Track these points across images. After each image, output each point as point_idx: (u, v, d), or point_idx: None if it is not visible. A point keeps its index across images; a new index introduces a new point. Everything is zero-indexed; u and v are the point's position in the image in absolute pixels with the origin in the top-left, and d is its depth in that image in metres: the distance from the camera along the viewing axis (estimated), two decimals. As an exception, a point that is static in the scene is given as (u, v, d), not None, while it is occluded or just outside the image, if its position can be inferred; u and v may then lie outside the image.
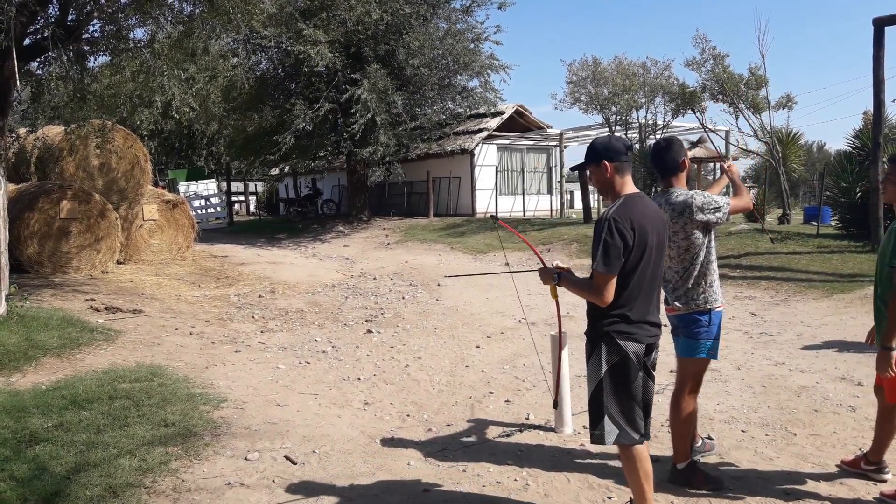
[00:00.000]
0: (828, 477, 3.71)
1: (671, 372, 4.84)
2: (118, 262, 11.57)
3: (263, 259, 14.37)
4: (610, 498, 3.55)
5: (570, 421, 4.55)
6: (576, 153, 58.19)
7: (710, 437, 4.19)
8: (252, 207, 35.15)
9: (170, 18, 7.96)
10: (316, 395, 5.44)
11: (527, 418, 4.84)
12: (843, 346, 6.43)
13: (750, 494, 3.52)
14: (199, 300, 9.62)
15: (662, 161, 3.68)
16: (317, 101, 17.56)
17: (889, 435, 3.59)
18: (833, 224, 14.16)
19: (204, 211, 26.61)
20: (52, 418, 4.46)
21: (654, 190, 15.47)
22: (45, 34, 7.26)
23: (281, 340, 7.40)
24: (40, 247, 10.29)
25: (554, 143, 23.36)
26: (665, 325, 3.31)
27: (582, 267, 11.41)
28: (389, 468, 3.99)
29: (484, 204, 21.87)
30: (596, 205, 21.67)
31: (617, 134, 18.65)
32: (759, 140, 17.60)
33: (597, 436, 3.00)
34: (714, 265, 3.65)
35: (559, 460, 4.06)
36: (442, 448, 4.30)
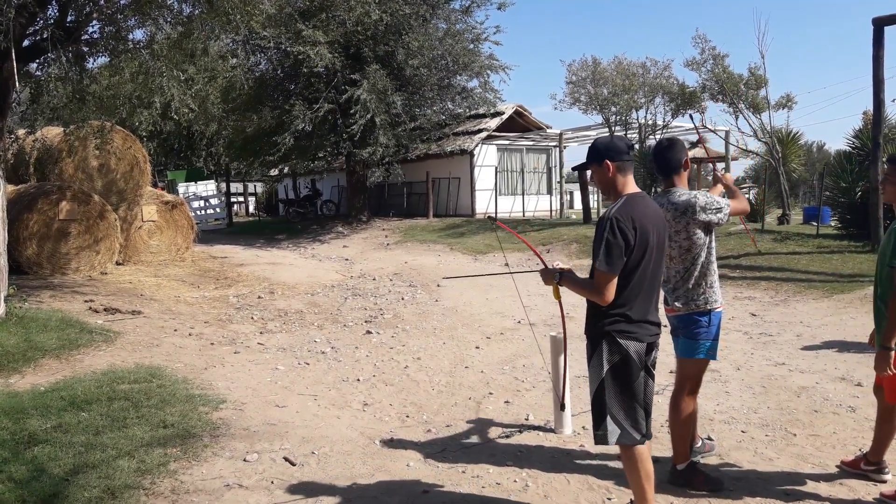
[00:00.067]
0: (828, 477, 3.70)
1: (671, 372, 4.83)
2: (117, 264, 11.57)
3: (263, 260, 14.36)
4: (610, 499, 3.55)
5: (570, 422, 4.54)
6: (575, 153, 58.24)
7: (709, 438, 4.18)
8: (251, 208, 35.14)
9: (169, 19, 7.96)
10: (315, 396, 5.44)
11: (526, 419, 4.83)
12: (843, 347, 6.43)
13: (750, 495, 3.52)
14: (199, 301, 9.62)
15: (665, 160, 3.67)
16: (316, 101, 17.55)
17: (889, 435, 3.59)
18: (833, 224, 14.15)
19: (203, 212, 26.59)
20: (50, 420, 4.45)
21: (653, 190, 15.47)
22: (45, 35, 7.26)
23: (280, 341, 7.39)
24: (39, 248, 10.28)
25: (553, 144, 23.36)
26: (665, 326, 3.31)
27: (582, 267, 11.40)
28: (389, 469, 3.99)
29: (483, 204, 21.86)
30: (596, 205, 21.69)
31: (617, 134, 18.63)
32: (759, 140, 17.61)
33: (600, 436, 3.00)
34: (714, 266, 3.65)
35: (559, 461, 4.05)
36: (441, 449, 4.29)
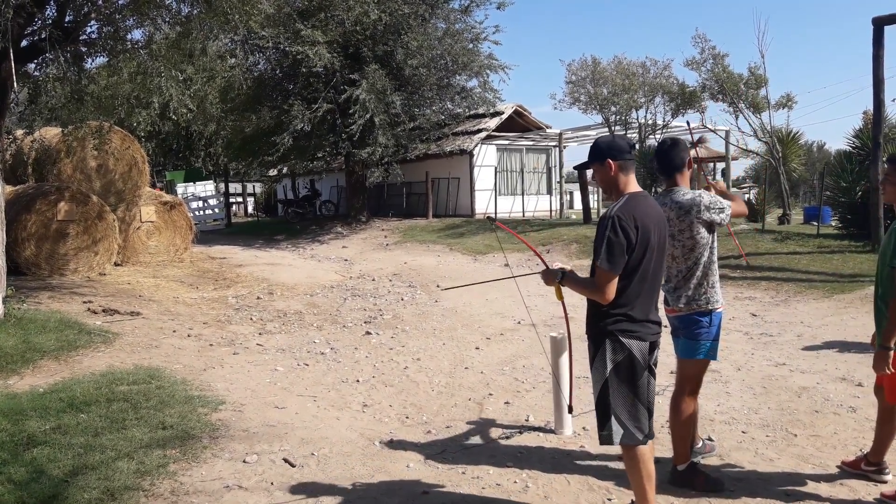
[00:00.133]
0: (828, 478, 3.69)
1: (671, 373, 4.82)
2: (116, 264, 11.55)
3: (262, 260, 14.35)
4: (610, 500, 3.54)
5: (570, 423, 4.53)
6: (575, 153, 58.26)
7: (710, 439, 4.18)
8: (250, 209, 35.13)
9: (167, 19, 7.95)
10: (314, 397, 5.42)
11: (526, 420, 4.82)
12: (844, 347, 6.42)
13: (750, 496, 3.51)
14: (197, 302, 9.60)
15: (668, 159, 3.67)
16: (315, 101, 17.54)
17: (889, 436, 3.58)
18: (833, 224, 14.15)
19: (202, 212, 26.59)
20: (49, 421, 4.44)
21: (653, 190, 15.46)
22: (43, 36, 7.26)
23: (279, 342, 7.38)
24: (38, 249, 10.26)
25: (553, 144, 23.34)
26: (665, 327, 3.30)
27: (582, 268, 11.39)
28: (388, 470, 3.97)
29: (483, 204, 21.85)
30: (596, 205, 21.68)
31: (618, 134, 18.63)
32: (759, 140, 17.60)
33: (605, 436, 2.99)
34: (716, 266, 3.65)
35: (559, 462, 4.04)
36: (441, 450, 4.28)
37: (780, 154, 17.03)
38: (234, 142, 20.30)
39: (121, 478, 3.69)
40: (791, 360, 6.10)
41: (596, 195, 23.67)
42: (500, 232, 14.67)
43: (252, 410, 4.99)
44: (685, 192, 3.61)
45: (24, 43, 7.50)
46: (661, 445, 4.11)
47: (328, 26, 16.69)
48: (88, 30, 8.01)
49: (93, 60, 8.84)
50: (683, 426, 3.64)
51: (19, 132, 10.50)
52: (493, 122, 22.41)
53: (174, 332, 7.56)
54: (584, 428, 4.56)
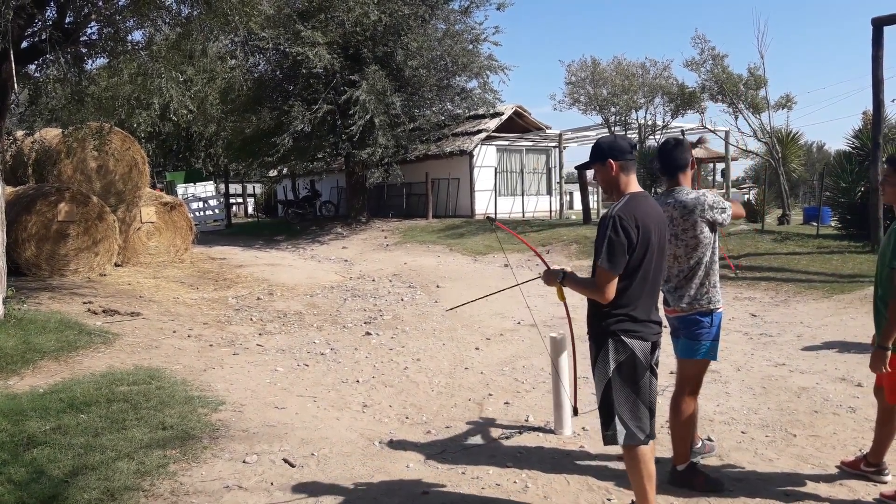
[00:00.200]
0: (828, 478, 3.70)
1: (671, 373, 4.82)
2: (116, 265, 11.56)
3: (262, 261, 14.36)
4: (610, 500, 3.54)
5: (570, 423, 4.53)
6: (575, 154, 58.30)
7: (709, 439, 4.18)
8: (250, 209, 35.13)
9: (167, 20, 7.95)
10: (314, 397, 5.43)
11: (526, 420, 4.82)
12: (844, 347, 6.42)
13: (750, 496, 3.51)
14: (197, 303, 9.61)
15: (672, 159, 3.68)
16: (315, 102, 17.55)
17: (889, 436, 3.58)
18: (833, 224, 14.16)
19: (202, 213, 26.62)
20: (49, 421, 4.44)
21: (653, 191, 15.47)
22: (43, 37, 7.26)
23: (279, 343, 7.38)
24: (38, 249, 10.27)
25: (553, 144, 23.35)
26: (665, 327, 3.30)
27: (581, 268, 11.41)
28: (388, 470, 3.98)
29: (483, 205, 21.86)
30: (596, 206, 21.68)
31: (620, 134, 18.63)
32: (759, 140, 17.61)
33: (609, 436, 3.00)
34: (717, 266, 3.66)
35: (559, 462, 4.05)
36: (441, 450, 4.28)
37: (780, 154, 17.04)
38: (235, 143, 20.31)
39: (121, 478, 3.70)
40: (790, 360, 6.11)
41: (596, 196, 23.68)
42: (500, 232, 14.68)
43: (252, 411, 5.00)
44: (688, 191, 3.63)
45: (24, 44, 7.51)
46: (660, 446, 4.11)
47: (328, 27, 16.71)
48: (89, 31, 8.03)
49: (93, 61, 8.85)
50: (683, 426, 3.65)
51: (20, 133, 10.51)
52: (492, 123, 22.42)
53: (174, 332, 7.56)
54: (583, 428, 4.57)
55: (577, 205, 24.30)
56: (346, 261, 14.99)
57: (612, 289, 2.89)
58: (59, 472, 3.73)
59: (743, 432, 4.42)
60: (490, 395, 5.46)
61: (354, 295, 10.45)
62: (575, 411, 3.54)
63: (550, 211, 23.25)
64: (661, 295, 3.45)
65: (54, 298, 8.65)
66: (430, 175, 21.25)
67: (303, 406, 5.18)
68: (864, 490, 3.54)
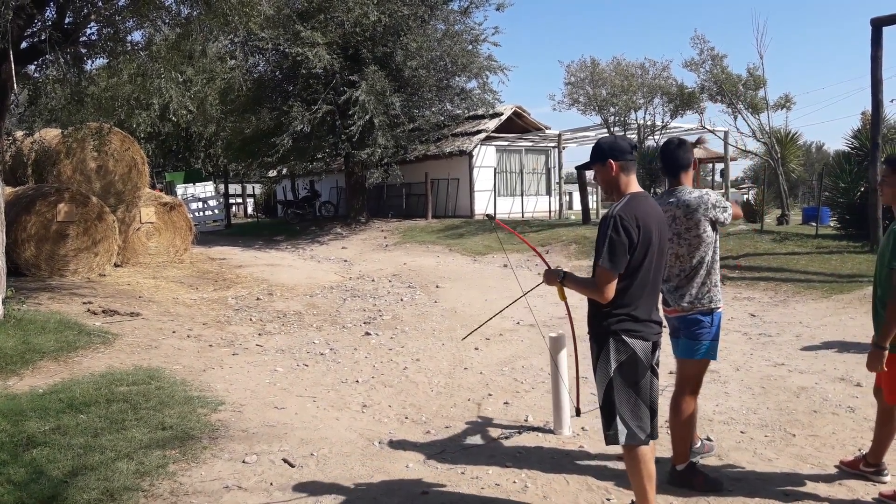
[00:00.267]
0: (827, 478, 3.70)
1: (670, 373, 4.83)
2: (115, 265, 11.56)
3: (261, 261, 14.36)
4: (609, 500, 3.54)
5: (569, 423, 4.54)
6: (574, 154, 58.30)
7: (709, 439, 4.18)
8: (250, 209, 35.14)
9: (167, 21, 7.95)
10: (314, 397, 5.43)
11: (526, 420, 4.82)
12: (843, 347, 6.43)
13: (749, 496, 3.51)
14: (197, 303, 9.61)
15: (675, 158, 3.69)
16: (314, 102, 17.55)
17: (888, 437, 3.58)
18: (832, 224, 14.17)
19: (201, 213, 26.62)
20: (49, 422, 4.44)
21: (653, 191, 15.48)
22: (43, 37, 7.26)
23: (279, 343, 7.38)
24: (37, 250, 10.27)
25: (552, 145, 23.36)
26: (664, 328, 3.31)
27: (580, 268, 11.41)
28: (388, 470, 3.98)
29: (483, 205, 21.87)
30: (595, 206, 21.68)
31: (620, 134, 18.64)
32: (758, 140, 17.64)
33: (611, 436, 3.00)
34: (718, 265, 3.67)
35: (558, 462, 4.05)
36: (440, 450, 4.29)
37: (779, 155, 17.06)
38: (234, 143, 20.31)
39: (120, 478, 3.70)
40: (790, 360, 6.11)
41: (595, 196, 23.69)
42: (500, 231, 14.69)
43: (251, 411, 5.00)
44: (690, 190, 3.64)
45: (23, 44, 7.51)
46: (659, 445, 4.11)
47: (328, 28, 16.71)
48: (88, 31, 8.02)
49: (92, 62, 8.85)
50: (683, 426, 3.65)
51: (19, 133, 10.52)
52: (492, 123, 22.43)
53: (174, 332, 7.56)
54: (583, 428, 4.57)
55: (577, 205, 24.29)
56: (345, 261, 14.99)
57: (611, 289, 2.90)
58: (58, 473, 3.73)
59: (742, 432, 4.42)
60: (489, 395, 5.46)
61: (354, 295, 10.46)
62: (577, 412, 3.54)
63: (550, 211, 23.26)
64: (660, 295, 3.46)
65: (54, 299, 8.65)
66: (430, 175, 21.26)
67: (302, 406, 5.19)
68: (864, 490, 3.55)
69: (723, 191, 20.07)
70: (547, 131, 23.31)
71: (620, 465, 3.75)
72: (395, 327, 8.13)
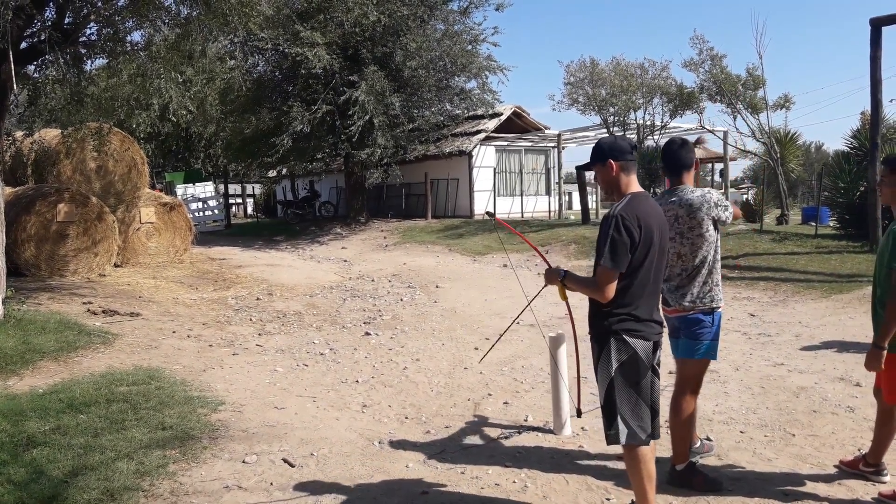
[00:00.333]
0: (826, 478, 3.71)
1: (670, 373, 4.83)
2: (115, 266, 11.56)
3: (261, 261, 14.36)
4: (609, 500, 3.55)
5: (569, 423, 4.54)
6: (574, 154, 58.34)
7: (708, 439, 4.19)
8: (250, 210, 35.13)
9: (167, 21, 7.95)
10: (314, 397, 5.43)
11: (525, 420, 4.83)
12: (842, 347, 6.43)
13: (749, 495, 3.52)
14: (197, 303, 9.61)
15: (677, 158, 3.70)
16: (314, 103, 17.55)
17: (888, 437, 3.59)
18: (831, 224, 14.17)
19: (201, 213, 26.62)
20: (49, 422, 4.44)
21: (652, 192, 15.48)
22: (42, 37, 7.26)
23: (279, 343, 7.39)
24: (37, 250, 10.27)
25: (552, 145, 23.36)
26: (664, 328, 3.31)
27: (580, 268, 11.41)
28: (388, 470, 3.98)
29: (482, 205, 21.86)
30: (594, 206, 21.69)
31: (620, 134, 18.64)
32: (758, 140, 17.65)
33: (612, 436, 3.01)
34: (719, 264, 3.68)
35: (558, 462, 4.05)
36: (440, 450, 4.29)
37: (779, 155, 17.07)
38: (234, 143, 20.31)
39: (120, 478, 3.70)
40: (789, 360, 6.12)
41: (594, 196, 23.69)
42: (500, 231, 14.68)
43: (251, 411, 5.00)
44: (692, 189, 3.66)
45: (23, 45, 7.51)
46: (659, 445, 4.12)
47: (327, 28, 16.72)
48: (88, 31, 8.02)
49: (92, 62, 8.85)
50: (684, 426, 3.66)
51: (19, 134, 10.52)
52: (491, 124, 22.43)
53: (174, 332, 7.56)
54: (582, 428, 4.58)
55: (576, 205, 24.28)
56: (345, 261, 14.99)
57: (612, 288, 2.90)
58: (58, 473, 3.74)
59: (742, 432, 4.43)
60: (489, 394, 5.47)
61: (354, 295, 10.46)
62: (578, 413, 3.53)
63: (549, 211, 23.26)
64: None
65: (54, 299, 8.65)
66: (430, 175, 21.27)
67: (302, 406, 5.19)
68: (863, 490, 3.55)
69: (722, 191, 20.07)
70: (546, 131, 23.31)
71: (620, 465, 3.76)
72: (395, 327, 8.13)
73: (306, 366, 6.40)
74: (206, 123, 17.26)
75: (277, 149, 17.60)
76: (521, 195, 23.22)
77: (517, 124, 23.45)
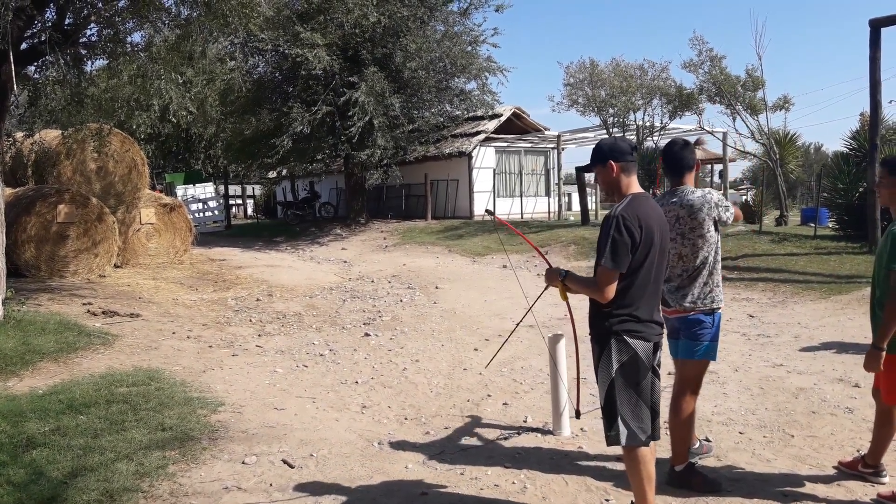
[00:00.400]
0: (825, 479, 3.71)
1: (669, 374, 4.84)
2: (115, 266, 11.56)
3: (261, 262, 14.36)
4: (608, 501, 3.55)
5: (568, 423, 4.54)
6: (573, 155, 58.34)
7: (707, 439, 4.19)
8: (250, 210, 35.15)
9: (167, 22, 7.96)
10: (313, 398, 5.44)
11: (525, 421, 4.83)
12: (841, 348, 6.44)
13: (748, 496, 3.52)
14: (197, 304, 9.61)
15: (679, 159, 3.71)
16: (314, 104, 17.57)
17: (887, 438, 3.59)
18: (830, 225, 14.18)
19: (201, 214, 26.63)
20: (49, 423, 4.45)
21: (652, 192, 15.48)
22: (43, 38, 7.27)
23: (278, 344, 7.39)
24: (37, 251, 10.27)
25: (552, 146, 23.37)
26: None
27: (580, 269, 11.42)
28: (387, 471, 3.99)
29: (482, 206, 21.87)
30: (594, 207, 21.70)
31: (620, 136, 18.65)
32: (757, 141, 17.68)
33: (612, 437, 3.01)
34: (720, 265, 3.69)
35: (557, 463, 4.06)
36: (440, 451, 4.29)
37: (778, 156, 17.10)
38: (234, 144, 20.32)
39: (120, 479, 3.70)
40: (788, 361, 6.12)
41: (594, 197, 23.69)
42: (500, 231, 14.69)
43: (251, 412, 5.01)
44: (693, 190, 3.67)
45: (23, 45, 7.52)
46: (658, 446, 4.12)
47: (327, 29, 16.73)
48: (88, 32, 8.03)
49: (92, 63, 8.87)
50: (683, 427, 3.66)
51: (19, 134, 10.51)
52: (491, 125, 22.44)
53: (174, 333, 7.57)
54: (582, 429, 4.58)
55: (576, 206, 24.30)
56: (345, 262, 15.00)
57: (612, 288, 2.90)
58: (58, 474, 3.74)
59: (741, 433, 4.43)
60: (489, 395, 5.47)
61: (353, 296, 10.46)
62: (577, 414, 3.53)
63: (549, 212, 23.27)
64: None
65: (54, 300, 8.66)
66: (429, 176, 21.28)
67: (302, 407, 5.19)
68: (862, 490, 3.55)
69: (721, 192, 20.09)
70: (546, 132, 23.32)
71: (619, 466, 3.76)
72: (395, 328, 8.14)
73: (306, 367, 6.41)
74: (207, 124, 17.26)
75: (277, 150, 17.60)
76: (521, 196, 23.23)
77: (517, 125, 23.46)
